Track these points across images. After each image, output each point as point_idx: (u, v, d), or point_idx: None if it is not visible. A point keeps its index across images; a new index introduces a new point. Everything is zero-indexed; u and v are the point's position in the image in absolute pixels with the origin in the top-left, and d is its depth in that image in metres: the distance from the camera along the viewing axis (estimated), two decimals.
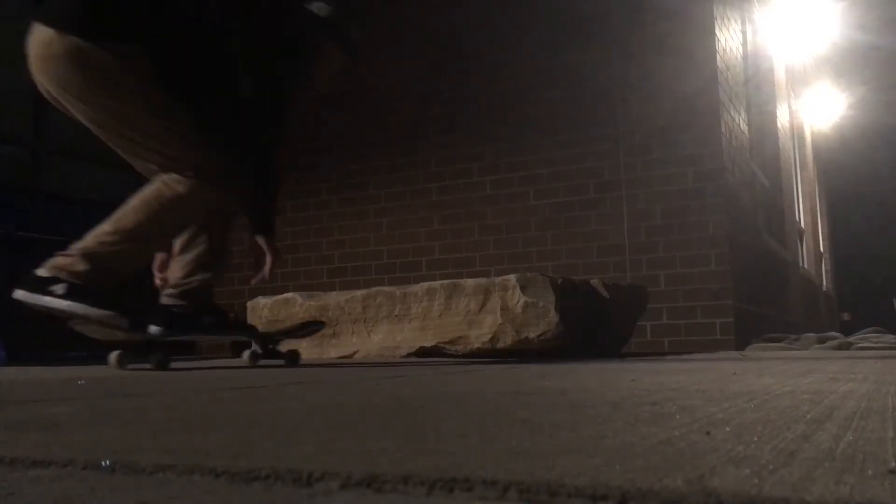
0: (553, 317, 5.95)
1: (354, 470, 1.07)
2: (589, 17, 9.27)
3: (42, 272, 4.56)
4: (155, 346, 4.88)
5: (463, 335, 6.28)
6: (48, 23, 4.68)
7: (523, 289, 6.08)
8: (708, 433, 1.38)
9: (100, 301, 4.57)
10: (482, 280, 6.46)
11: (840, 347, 8.21)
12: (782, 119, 14.38)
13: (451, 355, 6.31)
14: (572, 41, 9.28)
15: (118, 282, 4.71)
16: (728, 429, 1.44)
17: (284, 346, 5.58)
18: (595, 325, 6.47)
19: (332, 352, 6.72)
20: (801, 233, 16.39)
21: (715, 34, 9.00)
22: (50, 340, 8.17)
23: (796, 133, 17.00)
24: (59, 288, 4.52)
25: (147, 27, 4.71)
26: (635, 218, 8.88)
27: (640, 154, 8.92)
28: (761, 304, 10.18)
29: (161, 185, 4.88)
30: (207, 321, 5.23)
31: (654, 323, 8.62)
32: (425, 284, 6.63)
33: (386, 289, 6.80)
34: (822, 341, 8.61)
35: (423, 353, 6.40)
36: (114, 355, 4.81)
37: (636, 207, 8.88)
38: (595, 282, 6.70)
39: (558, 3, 9.40)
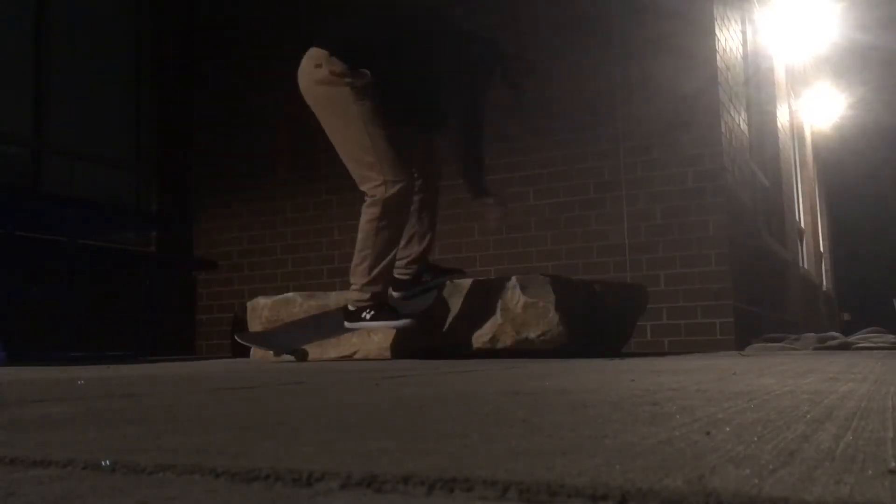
0: (553, 317, 5.93)
1: (354, 470, 1.07)
2: (589, 17, 9.27)
3: (349, 306, 5.98)
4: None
5: (463, 335, 6.26)
6: (323, 45, 5.83)
7: (523, 289, 6.07)
8: (708, 433, 1.38)
9: (395, 313, 5.99)
10: (481, 280, 6.46)
11: (840, 347, 8.20)
12: (782, 119, 14.38)
13: (452, 355, 6.23)
14: (572, 41, 9.28)
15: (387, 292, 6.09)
16: (728, 429, 1.44)
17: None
18: (595, 326, 6.45)
19: (332, 352, 6.69)
20: (801, 233, 16.39)
21: (715, 34, 9.00)
22: (50, 340, 8.21)
23: (796, 133, 17.01)
24: (367, 314, 5.92)
25: (382, 62, 5.88)
26: (635, 218, 8.88)
27: (640, 154, 8.92)
28: (761, 304, 10.18)
29: (365, 213, 5.89)
30: (427, 277, 6.37)
31: (654, 323, 8.62)
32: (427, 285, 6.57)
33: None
34: (822, 341, 8.60)
35: (422, 352, 6.35)
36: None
37: (636, 207, 8.88)
38: (595, 282, 6.70)
39: (558, 2, 9.39)
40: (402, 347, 6.41)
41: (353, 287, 5.97)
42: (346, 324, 6.02)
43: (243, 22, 11.18)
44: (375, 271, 5.87)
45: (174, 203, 11.08)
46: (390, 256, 5.95)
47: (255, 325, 6.95)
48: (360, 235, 5.92)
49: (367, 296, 5.90)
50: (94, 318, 9.11)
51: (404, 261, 6.28)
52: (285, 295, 7.00)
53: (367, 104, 5.77)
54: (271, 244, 10.75)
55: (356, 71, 5.75)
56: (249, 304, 7.17)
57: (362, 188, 5.86)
